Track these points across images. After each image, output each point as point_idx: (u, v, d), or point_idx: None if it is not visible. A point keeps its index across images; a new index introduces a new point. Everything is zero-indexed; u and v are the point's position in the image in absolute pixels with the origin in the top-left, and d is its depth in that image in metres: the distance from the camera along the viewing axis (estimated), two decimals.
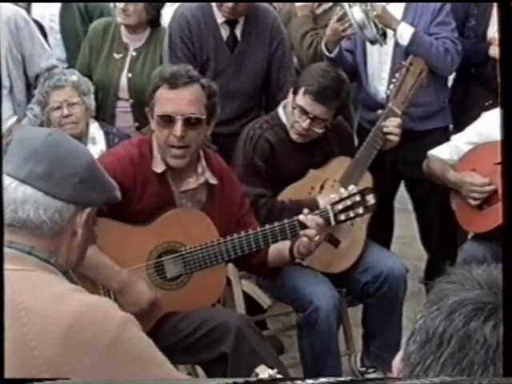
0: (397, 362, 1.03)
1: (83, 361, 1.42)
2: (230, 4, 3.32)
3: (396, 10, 3.55)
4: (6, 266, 1.51)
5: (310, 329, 2.96)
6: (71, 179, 1.55)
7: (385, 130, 3.12)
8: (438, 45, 3.47)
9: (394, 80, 3.24)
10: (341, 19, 3.38)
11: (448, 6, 3.57)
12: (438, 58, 3.50)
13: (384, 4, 3.49)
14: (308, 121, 3.05)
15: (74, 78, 3.46)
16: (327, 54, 3.50)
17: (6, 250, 1.53)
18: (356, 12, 3.33)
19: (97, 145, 3.47)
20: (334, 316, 2.95)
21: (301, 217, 2.67)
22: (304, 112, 3.05)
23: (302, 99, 3.04)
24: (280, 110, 3.20)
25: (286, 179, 3.12)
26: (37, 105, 3.57)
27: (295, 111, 3.07)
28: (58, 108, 3.42)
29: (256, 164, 3.10)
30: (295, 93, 3.08)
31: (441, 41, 3.50)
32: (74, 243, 1.60)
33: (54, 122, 3.44)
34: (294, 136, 3.12)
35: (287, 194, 3.11)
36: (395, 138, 3.13)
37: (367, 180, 3.12)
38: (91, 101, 3.52)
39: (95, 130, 3.51)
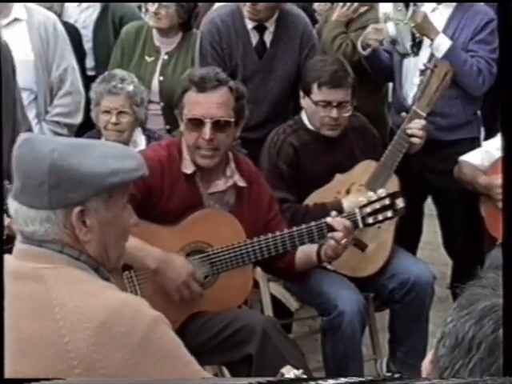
0: (426, 362, 1.03)
1: (114, 357, 1.44)
2: (249, 3, 3.35)
3: (440, 17, 3.54)
4: (38, 264, 1.54)
5: (334, 333, 2.95)
6: (41, 188, 1.53)
7: (408, 132, 3.11)
8: (473, 63, 3.44)
9: (418, 82, 3.23)
10: (377, 30, 3.50)
11: (493, 24, 3.47)
12: (469, 76, 3.47)
13: (427, 12, 3.49)
14: (335, 110, 3.06)
15: (131, 87, 3.41)
16: (362, 51, 3.58)
17: (37, 249, 1.56)
18: (390, 27, 3.47)
19: (138, 148, 3.48)
20: (358, 321, 2.93)
21: (328, 219, 2.67)
22: (328, 103, 3.06)
23: (319, 94, 3.07)
24: (303, 114, 3.21)
25: (311, 183, 3.12)
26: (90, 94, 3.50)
27: (319, 108, 3.08)
28: (107, 112, 3.41)
29: (280, 168, 3.11)
30: (308, 93, 3.10)
31: (476, 59, 3.46)
32: (93, 239, 1.58)
33: (100, 123, 3.45)
34: (327, 133, 3.13)
35: (313, 199, 3.11)
36: (418, 141, 3.11)
37: (394, 183, 3.09)
38: (143, 111, 3.47)
39: (138, 133, 3.52)
